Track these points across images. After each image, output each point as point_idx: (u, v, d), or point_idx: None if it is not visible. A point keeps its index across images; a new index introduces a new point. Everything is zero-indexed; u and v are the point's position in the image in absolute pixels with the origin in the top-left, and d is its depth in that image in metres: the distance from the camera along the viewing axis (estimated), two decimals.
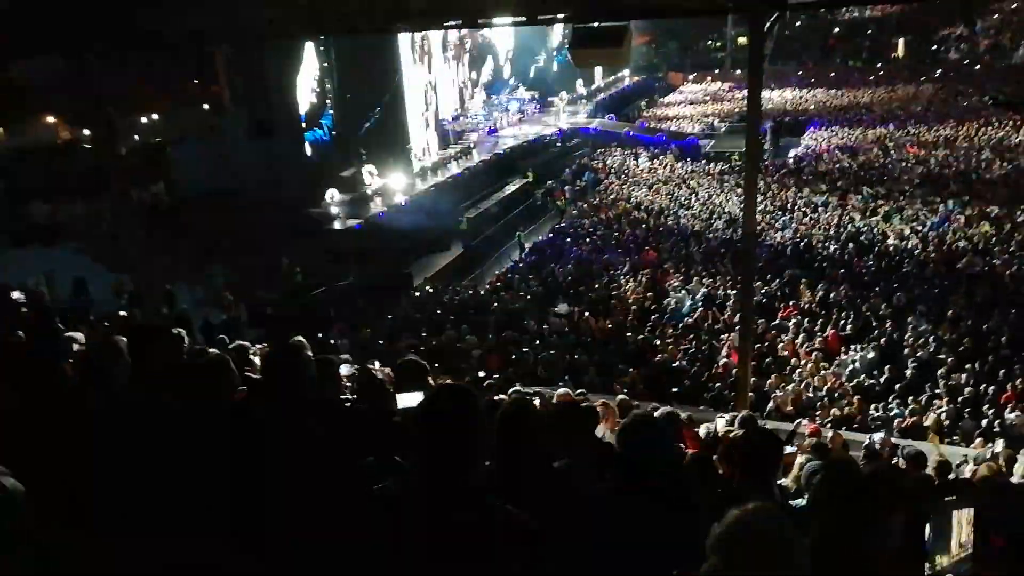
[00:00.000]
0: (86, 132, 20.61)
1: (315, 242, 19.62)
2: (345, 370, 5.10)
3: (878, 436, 5.56)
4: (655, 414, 2.66)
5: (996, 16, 47.61)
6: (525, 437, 2.38)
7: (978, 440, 8.11)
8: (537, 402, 5.06)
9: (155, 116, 26.39)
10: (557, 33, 35.68)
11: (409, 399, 3.08)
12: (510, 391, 6.19)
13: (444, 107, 28.58)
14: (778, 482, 2.87)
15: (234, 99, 23.87)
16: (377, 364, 8.64)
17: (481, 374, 9.66)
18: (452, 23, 7.91)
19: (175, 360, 3.46)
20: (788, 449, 4.60)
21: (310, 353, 2.94)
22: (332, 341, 12.54)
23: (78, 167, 19.68)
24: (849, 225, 18.18)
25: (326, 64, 22.84)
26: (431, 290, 17.88)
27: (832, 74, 44.78)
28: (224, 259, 16.89)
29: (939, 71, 41.73)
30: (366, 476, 2.14)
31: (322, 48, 22.41)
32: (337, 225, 21.08)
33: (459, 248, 21.48)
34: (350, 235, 20.41)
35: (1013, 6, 46.24)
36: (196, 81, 25.83)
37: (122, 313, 10.10)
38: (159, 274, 12.90)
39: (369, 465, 2.44)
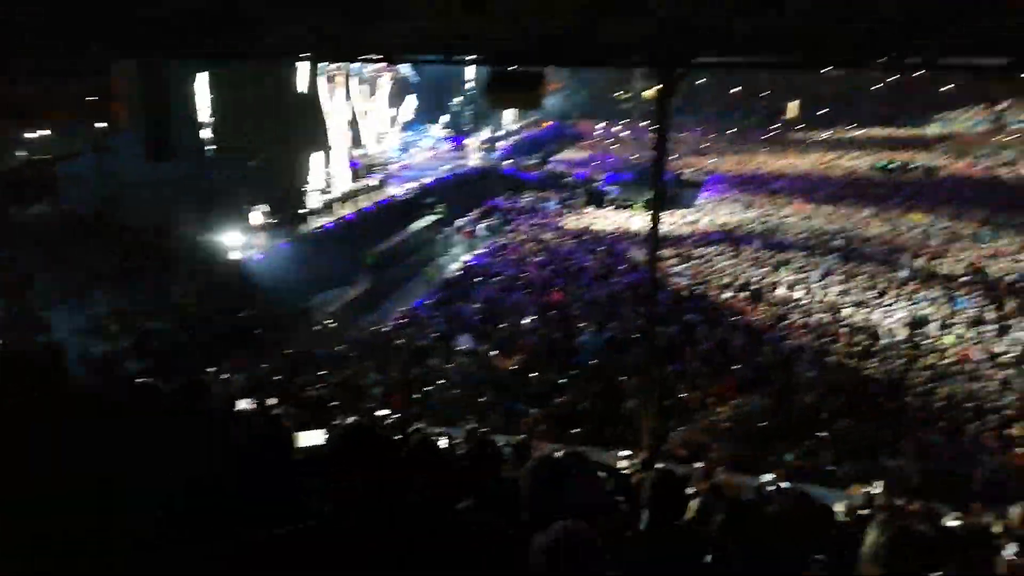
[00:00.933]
0: None
1: (212, 271, 18.81)
2: (243, 406, 4.84)
3: (767, 478, 5.75)
4: (556, 455, 2.63)
5: (880, 85, 51.86)
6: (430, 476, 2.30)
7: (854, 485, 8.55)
8: (444, 442, 4.94)
9: (45, 132, 24.84)
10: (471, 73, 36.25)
11: (311, 437, 2.93)
12: (411, 429, 6.04)
13: (358, 141, 28.36)
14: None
15: (132, 119, 22.74)
16: (275, 400, 8.28)
17: (384, 412, 9.42)
18: (370, 56, 7.87)
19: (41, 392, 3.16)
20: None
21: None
22: (226, 376, 11.96)
23: None
24: (742, 276, 19.07)
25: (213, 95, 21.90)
26: (333, 325, 17.42)
27: (731, 130, 47.51)
28: (110, 285, 15.90)
29: (826, 134, 44.99)
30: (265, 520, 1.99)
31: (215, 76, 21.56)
32: (236, 255, 20.30)
33: (365, 283, 21.10)
34: (250, 266, 19.69)
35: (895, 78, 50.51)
36: (94, 97, 24.53)
37: None
38: (36, 299, 12.00)
39: (269, 507, 2.27)
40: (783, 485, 5.41)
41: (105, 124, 23.70)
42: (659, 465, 5.59)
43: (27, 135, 23.33)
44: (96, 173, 21.11)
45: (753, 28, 6.52)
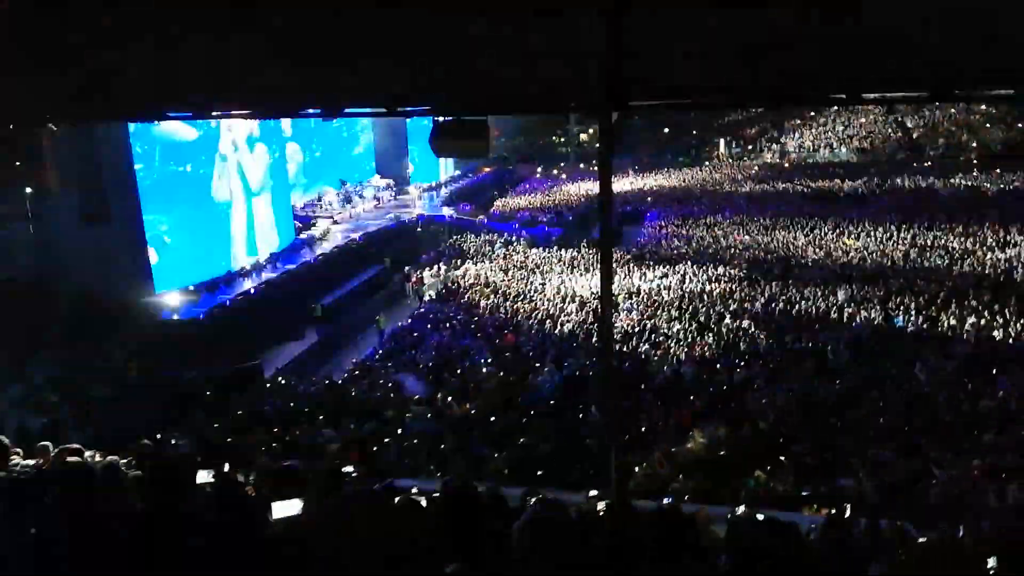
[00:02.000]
0: None
1: (152, 332, 18.24)
2: (203, 477, 4.63)
3: (740, 509, 5.82)
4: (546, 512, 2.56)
5: (798, 121, 54.58)
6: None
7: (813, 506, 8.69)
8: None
9: None
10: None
11: (287, 508, 2.84)
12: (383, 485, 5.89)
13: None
14: None
15: (63, 183, 22.13)
16: (227, 466, 8.00)
17: (348, 468, 9.18)
18: (312, 112, 7.85)
19: None
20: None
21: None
22: (172, 440, 11.52)
23: None
24: (690, 306, 19.46)
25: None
26: (283, 381, 17.01)
27: (665, 169, 48.96)
28: (48, 353, 15.24)
29: (755, 168, 46.77)
30: None
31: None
32: (179, 315, 19.75)
33: (313, 336, 20.75)
34: (192, 324, 19.17)
35: (811, 113, 53.26)
36: (16, 163, 23.81)
37: None
38: None
39: None
40: (756, 515, 5.47)
41: (32, 191, 23.03)
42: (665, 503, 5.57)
43: None
44: (28, 239, 20.41)
45: (687, 71, 6.80)
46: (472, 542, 2.64)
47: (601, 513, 4.87)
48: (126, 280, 19.58)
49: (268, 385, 16.83)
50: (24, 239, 20.20)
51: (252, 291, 21.24)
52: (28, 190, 21.31)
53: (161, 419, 13.32)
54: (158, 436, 11.66)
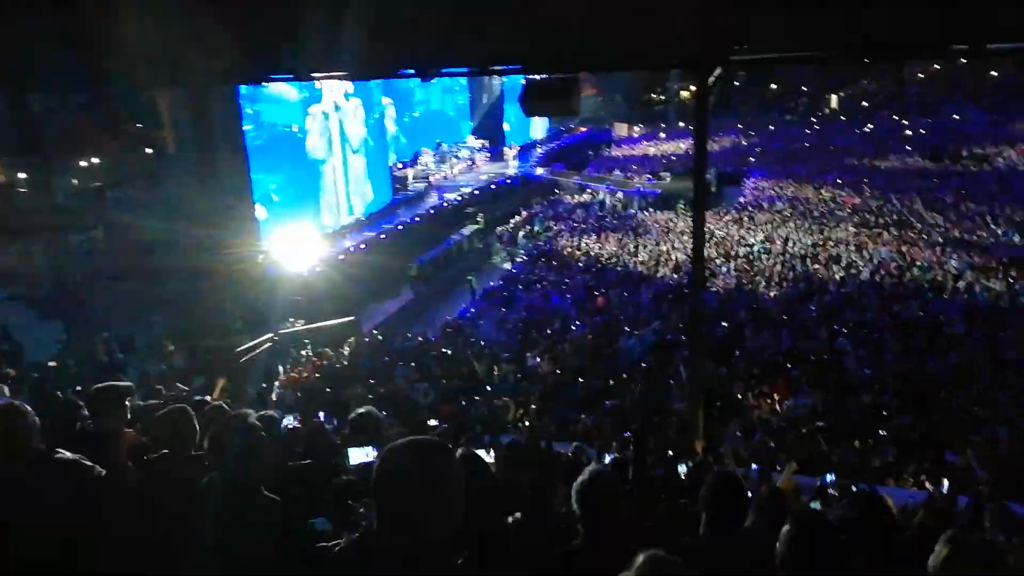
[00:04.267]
0: (22, 176, 19.97)
1: (263, 287, 19.17)
2: (289, 422, 4.90)
3: (830, 478, 5.61)
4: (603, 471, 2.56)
5: (921, 75, 50.66)
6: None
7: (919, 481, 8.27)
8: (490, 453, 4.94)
9: (95, 160, 25.72)
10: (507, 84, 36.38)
11: (362, 454, 2.95)
12: (462, 439, 6.06)
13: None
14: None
15: (179, 143, 23.42)
16: (322, 415, 8.40)
17: (433, 422, 9.47)
18: (408, 73, 7.94)
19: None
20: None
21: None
22: (274, 394, 12.18)
23: (12, 211, 18.93)
24: (790, 273, 18.69)
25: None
26: (380, 337, 17.59)
27: (770, 128, 46.74)
28: (164, 306, 16.34)
29: (869, 126, 43.90)
30: (316, 539, 2.01)
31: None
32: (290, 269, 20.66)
33: (409, 295, 21.30)
34: (297, 281, 20.03)
35: (935, 65, 49.29)
36: (139, 124, 25.33)
37: (51, 363, 9.66)
38: (95, 322, 12.41)
39: (320, 526, 2.30)
40: (848, 485, 5.26)
41: (151, 151, 24.49)
42: (717, 467, 5.49)
43: (80, 163, 24.22)
44: (146, 198, 21.80)
45: (788, 24, 6.42)
46: (536, 498, 2.66)
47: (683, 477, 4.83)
48: (235, 237, 20.60)
49: (366, 340, 17.45)
50: (141, 199, 21.57)
51: (351, 248, 21.94)
52: (147, 151, 22.65)
53: (269, 369, 14.07)
54: (263, 385, 12.37)
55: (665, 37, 6.54)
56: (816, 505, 5.16)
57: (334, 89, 23.47)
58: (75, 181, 23.50)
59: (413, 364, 14.31)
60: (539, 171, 34.43)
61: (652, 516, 3.67)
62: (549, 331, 16.02)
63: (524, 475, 2.98)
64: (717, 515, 2.57)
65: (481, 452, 3.66)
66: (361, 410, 3.39)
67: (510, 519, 2.50)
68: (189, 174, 21.60)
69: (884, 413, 10.92)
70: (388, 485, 1.50)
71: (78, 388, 6.04)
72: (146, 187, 22.29)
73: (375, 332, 18.09)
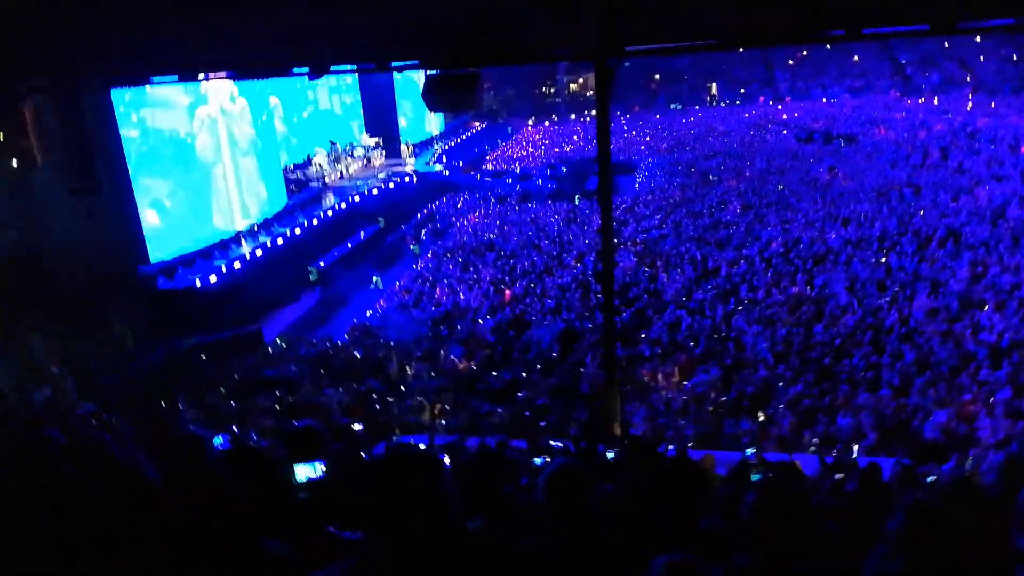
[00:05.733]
0: None
1: (149, 302, 18.18)
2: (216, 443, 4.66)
3: (750, 452, 5.90)
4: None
5: (791, 62, 53.81)
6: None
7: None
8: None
9: None
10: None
11: (309, 470, 2.85)
12: (391, 440, 5.97)
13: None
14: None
15: (48, 152, 21.75)
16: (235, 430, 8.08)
17: (357, 427, 9.30)
18: (301, 71, 7.71)
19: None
20: None
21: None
22: (179, 408, 11.59)
23: None
24: (687, 254, 19.45)
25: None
26: (284, 345, 17.07)
27: (656, 116, 48.43)
28: (41, 327, 15.18)
29: (747, 114, 46.21)
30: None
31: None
32: (169, 283, 19.66)
33: (312, 299, 20.75)
34: (189, 292, 19.11)
35: (804, 53, 52.51)
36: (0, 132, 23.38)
37: None
38: None
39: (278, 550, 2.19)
40: (767, 457, 5.54)
41: (16, 162, 22.63)
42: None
43: None
44: (13, 212, 20.13)
45: (681, 14, 6.65)
46: (493, 497, 2.66)
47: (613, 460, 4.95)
48: (119, 250, 19.41)
49: (269, 349, 16.89)
50: (7, 214, 19.91)
51: (248, 256, 21.13)
52: (12, 162, 20.92)
53: (163, 387, 13.36)
54: (162, 403, 11.74)
55: (564, 29, 6.65)
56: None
57: (220, 91, 22.47)
58: None
59: (322, 370, 13.97)
60: (438, 168, 34.27)
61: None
62: (459, 327, 16.01)
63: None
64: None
65: None
66: (304, 425, 3.25)
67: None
68: (62, 186, 20.14)
69: (780, 384, 11.57)
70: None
71: None
72: (10, 200, 20.56)
73: (278, 340, 17.53)
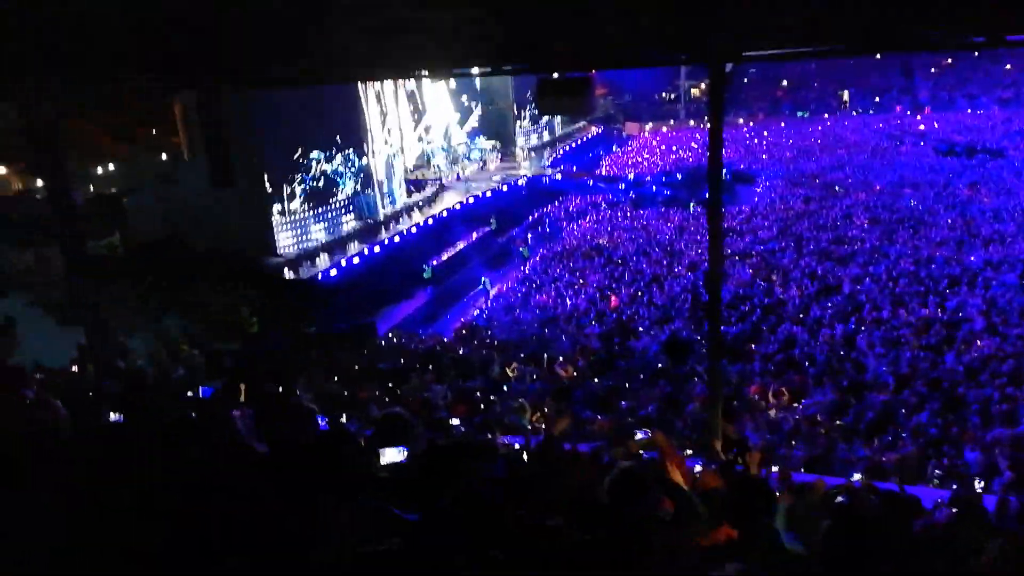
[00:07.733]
0: (39, 183, 20.19)
1: (274, 291, 19.31)
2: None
3: (856, 477, 5.58)
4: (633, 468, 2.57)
5: (933, 70, 50.26)
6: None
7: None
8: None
9: (111, 166, 26.01)
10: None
11: (394, 454, 2.97)
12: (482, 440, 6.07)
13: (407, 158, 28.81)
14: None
15: (193, 148, 23.59)
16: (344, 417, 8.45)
17: (455, 421, 9.51)
18: (421, 73, 7.97)
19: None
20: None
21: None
22: (297, 391, 12.21)
23: (30, 217, 19.18)
24: (807, 269, 18.58)
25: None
26: (395, 339, 17.66)
27: (781, 124, 46.50)
28: (179, 310, 16.44)
29: (881, 124, 43.57)
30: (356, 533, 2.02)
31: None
32: (293, 275, 20.79)
33: (423, 296, 21.36)
34: (312, 285, 20.16)
35: (948, 60, 48.96)
36: (153, 131, 25.56)
37: (74, 368, 9.74)
38: (112, 326, 12.47)
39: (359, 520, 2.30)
40: (872, 484, 5.22)
41: (165, 156, 24.68)
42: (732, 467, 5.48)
43: (97, 169, 24.48)
44: (162, 203, 21.94)
45: (802, 17, 6.38)
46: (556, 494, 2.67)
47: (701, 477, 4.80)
48: (251, 241, 20.75)
49: (382, 343, 17.53)
50: (157, 204, 21.72)
51: (366, 252, 22.02)
52: (162, 156, 22.81)
53: (283, 372, 14.13)
54: (280, 388, 12.41)
55: (677, 32, 6.53)
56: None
57: None
58: (92, 187, 23.77)
59: (430, 366, 14.34)
60: (551, 171, 34.40)
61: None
62: (564, 331, 16.02)
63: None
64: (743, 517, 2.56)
65: None
66: (391, 411, 3.39)
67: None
68: (204, 179, 21.75)
69: (903, 411, 10.84)
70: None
71: None
72: (161, 192, 22.45)
73: (390, 335, 18.15)
